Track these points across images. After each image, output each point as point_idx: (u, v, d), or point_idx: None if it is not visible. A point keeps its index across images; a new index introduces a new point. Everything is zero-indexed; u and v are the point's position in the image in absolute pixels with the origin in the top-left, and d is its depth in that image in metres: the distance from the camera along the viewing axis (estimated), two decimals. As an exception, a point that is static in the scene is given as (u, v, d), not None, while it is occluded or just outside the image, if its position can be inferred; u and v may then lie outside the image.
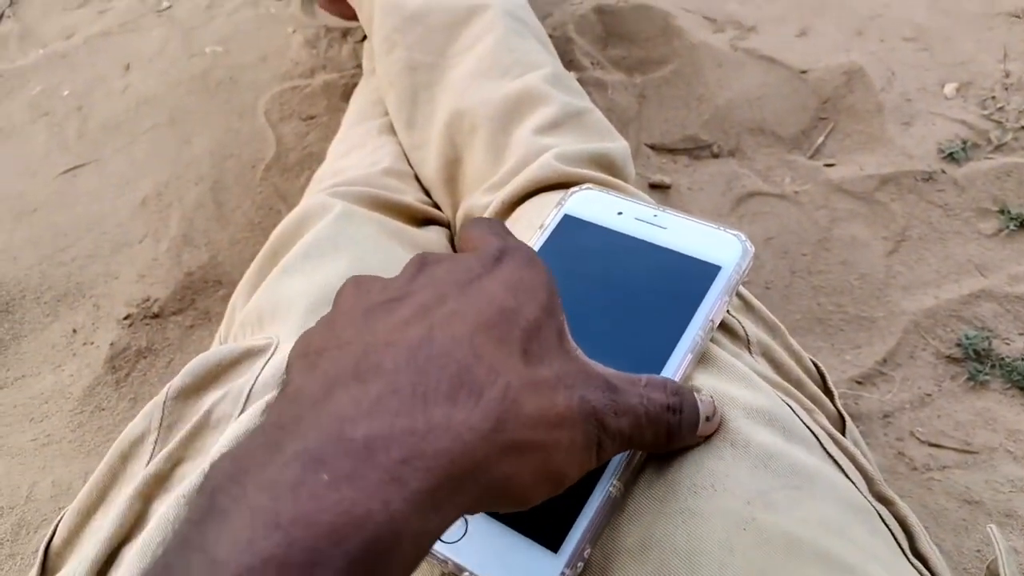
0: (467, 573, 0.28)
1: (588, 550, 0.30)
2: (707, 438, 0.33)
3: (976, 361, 0.79)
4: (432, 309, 0.22)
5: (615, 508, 0.32)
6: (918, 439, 0.75)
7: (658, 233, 0.36)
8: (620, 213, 0.37)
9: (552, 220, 0.37)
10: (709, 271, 0.35)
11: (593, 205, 0.38)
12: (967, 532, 0.64)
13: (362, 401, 0.18)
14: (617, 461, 0.32)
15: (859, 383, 0.78)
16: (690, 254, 0.36)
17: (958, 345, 0.80)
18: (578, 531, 0.30)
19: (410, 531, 0.16)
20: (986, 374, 0.78)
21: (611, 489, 0.32)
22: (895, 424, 0.76)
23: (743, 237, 0.36)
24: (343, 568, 0.15)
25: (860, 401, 0.77)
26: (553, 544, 0.30)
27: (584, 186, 0.39)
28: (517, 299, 0.23)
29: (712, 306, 0.35)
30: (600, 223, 0.37)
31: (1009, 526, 0.68)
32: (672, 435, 0.30)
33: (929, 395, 0.78)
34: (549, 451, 0.22)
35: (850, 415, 0.77)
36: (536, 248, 0.36)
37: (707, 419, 0.32)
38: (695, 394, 0.32)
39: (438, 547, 0.28)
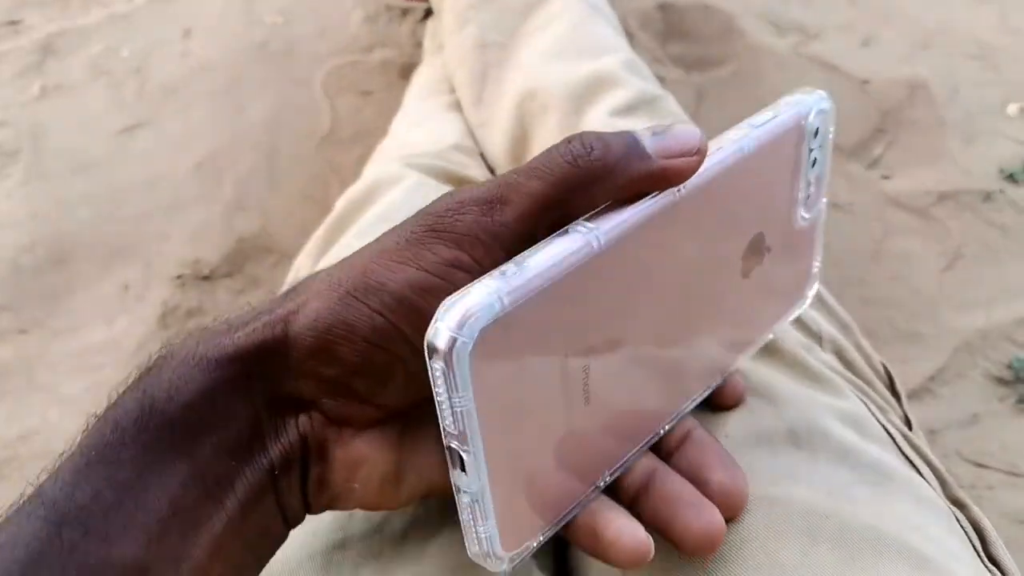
0: None
1: None
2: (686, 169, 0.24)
3: (1026, 384, 0.78)
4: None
5: None
6: (963, 458, 0.74)
7: None
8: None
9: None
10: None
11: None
12: (1021, 550, 0.63)
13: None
14: None
15: (906, 400, 0.77)
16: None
17: (1008, 367, 0.79)
18: None
19: None
20: (1036, 398, 0.77)
21: None
22: (940, 442, 0.75)
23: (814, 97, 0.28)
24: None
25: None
26: None
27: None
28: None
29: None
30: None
31: (1056, 551, 0.67)
32: (582, 162, 0.23)
33: (976, 415, 0.77)
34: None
35: (895, 429, 0.77)
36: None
37: (662, 138, 0.24)
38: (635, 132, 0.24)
39: None
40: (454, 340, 0.18)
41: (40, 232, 0.82)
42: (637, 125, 0.57)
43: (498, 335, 0.19)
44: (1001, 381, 0.79)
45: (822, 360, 0.42)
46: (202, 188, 0.87)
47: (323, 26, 1.03)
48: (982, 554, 0.37)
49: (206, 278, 0.78)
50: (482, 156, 0.64)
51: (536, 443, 0.22)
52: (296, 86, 0.97)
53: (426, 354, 0.19)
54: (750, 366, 0.40)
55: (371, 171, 0.61)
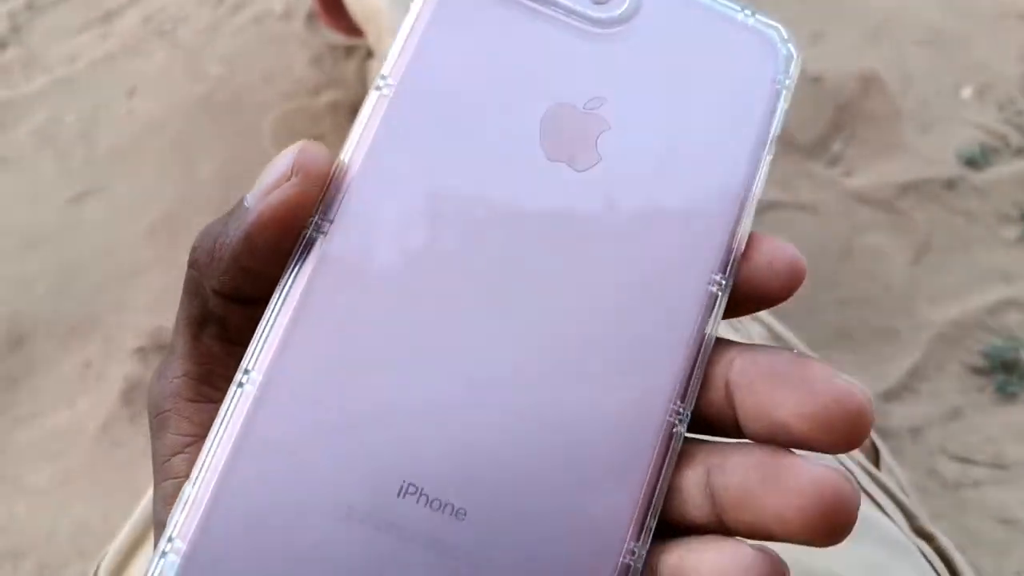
0: None
1: None
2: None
3: (1004, 372, 0.78)
4: None
5: None
6: (948, 455, 0.73)
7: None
8: None
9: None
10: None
11: None
12: (1006, 553, 0.63)
13: None
14: None
15: (886, 399, 0.77)
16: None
17: (985, 356, 0.79)
18: None
19: None
20: (1014, 385, 0.77)
21: None
22: (924, 440, 0.75)
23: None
24: None
25: (889, 417, 0.76)
26: None
27: None
28: None
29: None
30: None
31: (1047, 544, 0.66)
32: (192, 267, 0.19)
33: (958, 408, 0.76)
34: None
35: (879, 431, 0.76)
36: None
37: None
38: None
39: None
40: None
41: (-5, 314, 0.80)
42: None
43: None
44: (979, 371, 0.79)
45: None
46: (158, 252, 0.85)
47: (268, 72, 1.02)
48: (950, 585, 0.36)
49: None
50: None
51: None
52: (245, 137, 0.95)
53: None
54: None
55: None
